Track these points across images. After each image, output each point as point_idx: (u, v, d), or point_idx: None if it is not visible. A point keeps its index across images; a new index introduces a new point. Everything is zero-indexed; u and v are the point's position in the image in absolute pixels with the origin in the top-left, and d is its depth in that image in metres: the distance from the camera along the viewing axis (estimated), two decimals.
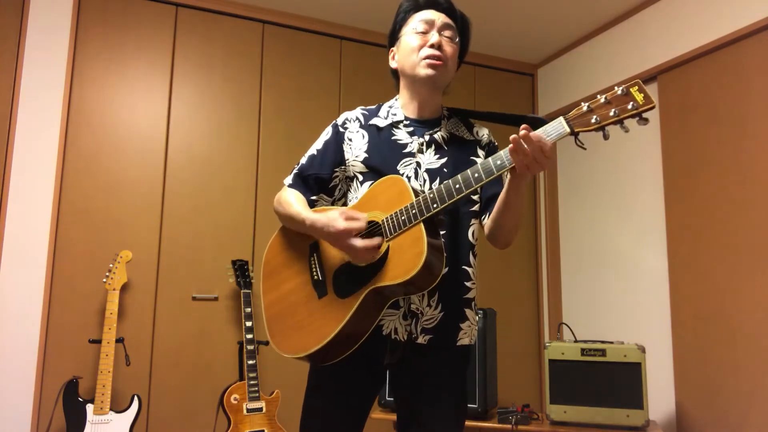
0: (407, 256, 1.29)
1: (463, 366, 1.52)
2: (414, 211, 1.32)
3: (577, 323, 3.33)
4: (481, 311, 2.70)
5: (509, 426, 2.53)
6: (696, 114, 2.78)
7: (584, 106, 1.21)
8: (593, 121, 1.19)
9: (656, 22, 3.01)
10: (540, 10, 3.23)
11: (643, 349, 2.51)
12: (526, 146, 1.22)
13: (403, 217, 1.33)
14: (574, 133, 1.22)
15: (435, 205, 1.30)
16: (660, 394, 2.83)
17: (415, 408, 1.46)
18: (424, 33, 1.50)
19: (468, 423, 2.55)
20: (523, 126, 1.24)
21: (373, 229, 1.39)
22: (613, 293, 3.24)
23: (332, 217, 1.36)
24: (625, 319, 3.14)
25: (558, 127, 1.23)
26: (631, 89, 1.17)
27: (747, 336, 2.48)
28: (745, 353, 2.48)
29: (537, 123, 1.28)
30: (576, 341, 2.64)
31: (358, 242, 1.33)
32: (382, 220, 1.37)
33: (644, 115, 1.16)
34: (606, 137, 1.21)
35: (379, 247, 1.34)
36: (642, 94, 1.16)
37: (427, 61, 1.47)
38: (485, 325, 2.68)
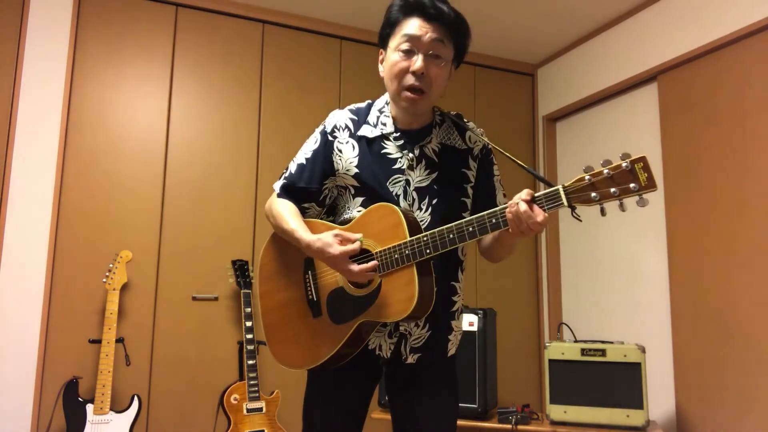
0: (399, 297, 1.32)
1: (452, 369, 1.55)
2: (407, 252, 1.32)
3: (577, 323, 3.33)
4: (480, 311, 2.70)
5: (509, 426, 2.53)
6: (696, 114, 2.78)
7: (586, 179, 1.17)
8: (593, 197, 1.17)
9: (656, 22, 3.01)
10: (540, 10, 3.23)
11: (643, 349, 2.51)
12: (522, 219, 1.22)
13: (396, 256, 1.34)
14: (572, 207, 1.21)
15: (428, 251, 1.31)
16: (660, 394, 2.83)
17: (410, 405, 1.49)
18: (409, 53, 1.40)
19: (468, 423, 2.55)
20: (525, 197, 1.22)
21: (366, 258, 1.40)
22: (613, 293, 3.24)
23: (327, 241, 1.36)
24: (625, 319, 3.14)
25: (556, 199, 1.20)
26: (636, 166, 1.12)
27: (747, 336, 2.48)
28: (745, 353, 2.48)
29: (536, 179, 1.28)
30: (576, 341, 2.64)
31: (355, 267, 1.34)
32: (376, 253, 1.37)
33: (644, 195, 1.14)
34: (603, 214, 1.20)
35: (375, 269, 1.35)
36: (646, 174, 1.12)
37: (407, 93, 1.41)
38: (485, 325, 2.68)
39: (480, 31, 3.49)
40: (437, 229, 1.32)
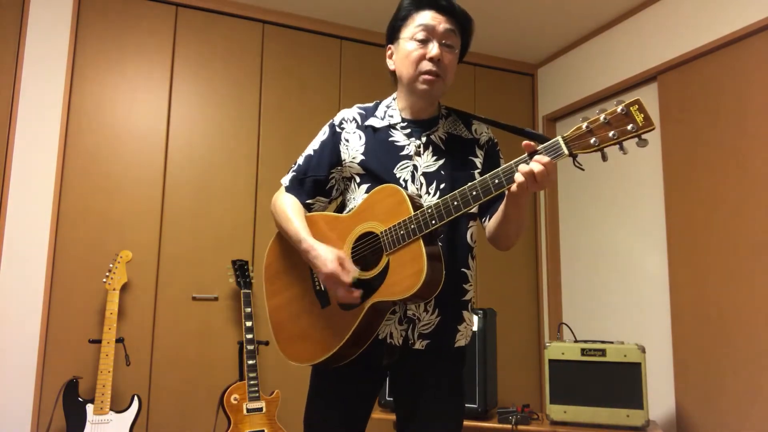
0: (407, 272, 1.31)
1: (460, 366, 1.53)
2: (413, 227, 1.32)
3: (577, 323, 3.33)
4: (481, 311, 2.69)
5: (509, 426, 2.53)
6: (696, 114, 2.78)
7: (583, 126, 1.19)
8: (592, 142, 1.17)
9: (656, 22, 3.01)
10: (540, 10, 3.23)
11: (643, 349, 2.51)
12: (531, 173, 1.21)
13: (402, 232, 1.33)
14: (572, 155, 1.21)
15: (434, 222, 1.31)
16: (660, 394, 2.83)
17: (414, 408, 1.47)
18: (424, 41, 1.45)
19: (468, 423, 2.55)
20: (528, 147, 1.24)
21: (371, 241, 1.39)
22: (613, 293, 3.24)
23: (327, 257, 1.37)
24: (625, 319, 3.14)
25: (557, 149, 1.21)
26: (631, 108, 1.14)
27: (747, 336, 2.48)
28: (745, 353, 2.48)
29: (535, 138, 1.28)
30: (576, 341, 2.64)
31: (341, 291, 1.35)
32: (381, 233, 1.37)
33: (643, 136, 1.14)
34: (605, 159, 1.19)
35: (359, 299, 1.35)
36: (642, 115, 1.13)
37: (425, 77, 1.45)
38: (485, 325, 2.68)
39: (480, 31, 3.47)
40: (441, 198, 1.32)
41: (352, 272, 1.36)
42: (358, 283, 1.37)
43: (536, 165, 1.21)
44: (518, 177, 1.23)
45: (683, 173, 2.83)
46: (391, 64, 1.55)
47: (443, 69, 1.45)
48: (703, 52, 2.73)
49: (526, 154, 1.25)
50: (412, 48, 1.46)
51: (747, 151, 2.54)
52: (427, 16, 1.46)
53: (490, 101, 3.79)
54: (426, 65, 1.44)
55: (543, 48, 3.71)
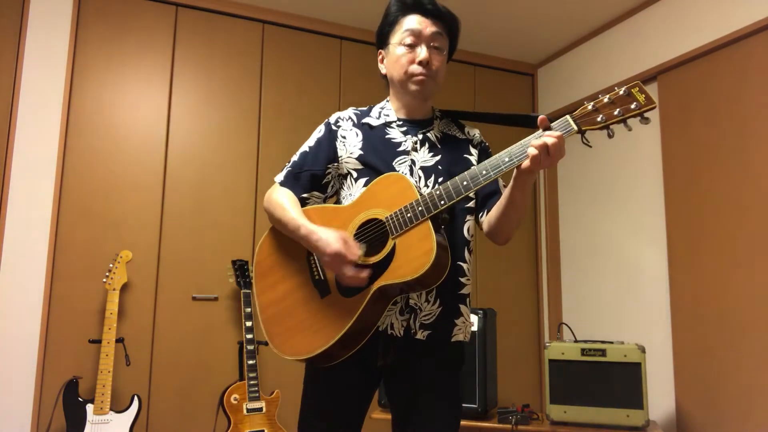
0: (416, 253, 1.30)
1: (457, 365, 1.52)
2: (420, 208, 1.32)
3: (577, 323, 3.33)
4: (480, 311, 2.69)
5: (509, 426, 2.53)
6: (696, 114, 2.78)
7: (589, 106, 1.25)
8: (599, 119, 1.24)
9: (656, 22, 3.01)
10: (540, 10, 3.23)
11: (643, 349, 2.51)
12: (544, 147, 1.25)
13: (409, 214, 1.33)
14: (581, 131, 1.26)
15: (443, 202, 1.32)
16: (660, 394, 2.83)
17: (410, 410, 1.46)
18: (412, 46, 1.49)
19: (468, 423, 2.55)
20: (542, 122, 1.28)
21: (375, 227, 1.38)
22: (613, 293, 3.24)
23: (330, 237, 1.33)
24: (625, 319, 3.14)
25: (566, 125, 1.27)
26: (632, 90, 1.21)
27: (747, 335, 2.48)
28: (745, 353, 2.48)
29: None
30: (576, 341, 2.65)
31: (349, 270, 1.31)
32: (386, 218, 1.36)
33: (646, 114, 1.22)
34: (611, 136, 1.25)
35: (366, 279, 1.32)
36: (643, 95, 1.22)
37: (416, 78, 1.49)
38: (485, 325, 2.68)
39: (480, 31, 3.49)
40: (450, 180, 1.34)
41: (358, 251, 1.33)
42: (362, 270, 1.34)
43: (549, 138, 1.24)
44: (532, 150, 1.26)
45: (683, 173, 2.83)
46: (382, 69, 1.59)
47: (432, 71, 1.50)
48: (703, 52, 2.73)
49: (533, 134, 1.28)
50: (401, 53, 1.50)
51: (747, 151, 2.54)
52: (414, 21, 1.50)
53: (490, 101, 3.79)
54: (416, 68, 1.48)
55: (543, 48, 3.71)
